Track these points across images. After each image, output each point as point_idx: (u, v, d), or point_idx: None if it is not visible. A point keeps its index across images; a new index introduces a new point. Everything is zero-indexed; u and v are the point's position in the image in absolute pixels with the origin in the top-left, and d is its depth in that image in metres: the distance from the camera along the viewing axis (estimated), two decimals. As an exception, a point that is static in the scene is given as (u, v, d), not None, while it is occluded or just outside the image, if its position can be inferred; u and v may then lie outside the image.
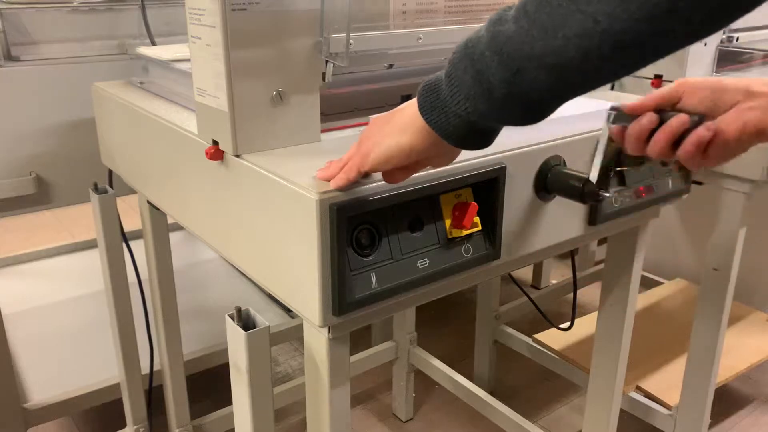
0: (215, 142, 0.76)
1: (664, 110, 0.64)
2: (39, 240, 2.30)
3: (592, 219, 0.86)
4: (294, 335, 1.64)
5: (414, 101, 0.60)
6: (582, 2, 0.47)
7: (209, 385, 1.71)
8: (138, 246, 1.19)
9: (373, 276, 0.66)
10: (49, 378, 1.41)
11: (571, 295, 1.40)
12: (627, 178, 0.89)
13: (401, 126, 0.60)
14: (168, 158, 0.92)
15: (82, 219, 2.61)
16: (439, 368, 1.61)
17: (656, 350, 1.61)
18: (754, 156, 1.14)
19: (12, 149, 1.20)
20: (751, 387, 1.81)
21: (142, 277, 1.20)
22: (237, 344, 0.71)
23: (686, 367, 1.38)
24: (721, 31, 1.35)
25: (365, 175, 0.64)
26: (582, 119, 0.88)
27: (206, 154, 0.76)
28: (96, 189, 1.13)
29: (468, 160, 0.72)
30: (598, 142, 0.67)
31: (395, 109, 0.63)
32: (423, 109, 0.58)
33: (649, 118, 0.62)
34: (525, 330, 1.72)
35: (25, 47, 1.23)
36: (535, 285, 2.33)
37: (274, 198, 0.68)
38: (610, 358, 1.11)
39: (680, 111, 0.64)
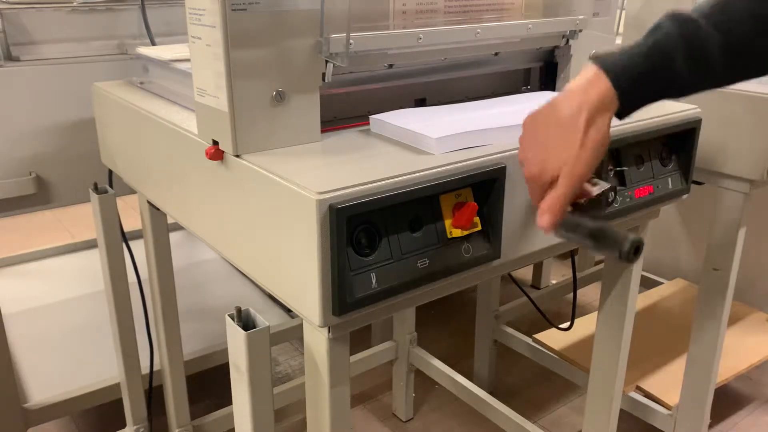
0: (215, 142, 0.76)
1: None
2: (39, 240, 2.30)
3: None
4: (294, 335, 1.64)
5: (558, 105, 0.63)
6: None
7: (209, 385, 1.71)
8: (138, 246, 1.19)
9: (373, 276, 0.66)
10: (49, 378, 1.41)
11: (571, 295, 1.40)
12: (627, 178, 0.89)
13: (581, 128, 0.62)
14: (168, 158, 0.92)
15: (82, 219, 2.61)
16: (439, 368, 1.61)
17: (656, 350, 1.61)
18: (753, 156, 1.14)
19: (12, 149, 1.20)
20: (751, 387, 1.81)
21: (142, 277, 1.20)
22: (237, 344, 0.71)
23: (686, 367, 1.38)
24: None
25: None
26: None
27: (206, 154, 0.76)
28: (96, 189, 1.13)
29: (468, 160, 0.72)
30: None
31: (547, 118, 0.64)
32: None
33: None
34: (525, 330, 1.72)
35: (25, 47, 1.23)
36: (535, 285, 2.33)
37: (274, 198, 0.68)
38: (610, 358, 1.11)
39: None
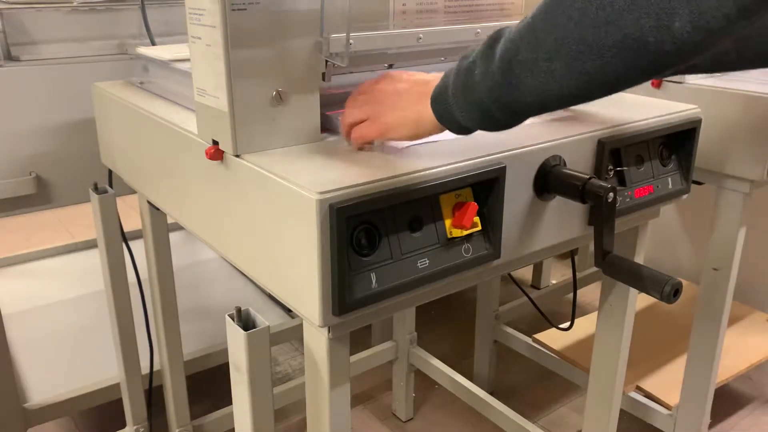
0: (215, 142, 0.76)
1: None
2: (39, 240, 2.30)
3: (592, 219, 0.87)
4: (294, 335, 1.64)
5: (423, 94, 0.69)
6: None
7: (209, 385, 1.71)
8: (138, 246, 1.19)
9: (373, 276, 0.66)
10: (49, 378, 1.41)
11: (571, 295, 1.40)
12: (627, 178, 0.89)
13: (416, 117, 0.70)
14: (168, 158, 0.92)
15: (82, 219, 2.61)
16: (439, 368, 1.61)
17: (656, 350, 1.61)
18: (754, 156, 1.14)
19: (12, 149, 1.20)
20: (751, 387, 1.81)
21: (142, 277, 1.20)
22: (237, 344, 0.71)
23: (686, 367, 1.38)
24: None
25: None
26: (582, 119, 0.88)
27: (206, 154, 0.76)
28: (96, 189, 1.13)
29: (468, 160, 0.72)
30: None
31: (408, 83, 0.72)
32: (438, 117, 0.69)
33: None
34: (525, 330, 1.72)
35: (25, 47, 1.23)
36: (535, 285, 2.33)
37: (274, 198, 0.68)
38: (610, 358, 1.11)
39: None
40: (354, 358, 1.60)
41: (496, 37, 0.62)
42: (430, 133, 0.71)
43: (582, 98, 0.60)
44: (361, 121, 0.74)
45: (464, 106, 0.65)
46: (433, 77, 0.71)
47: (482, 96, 0.63)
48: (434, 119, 0.69)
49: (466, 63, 0.65)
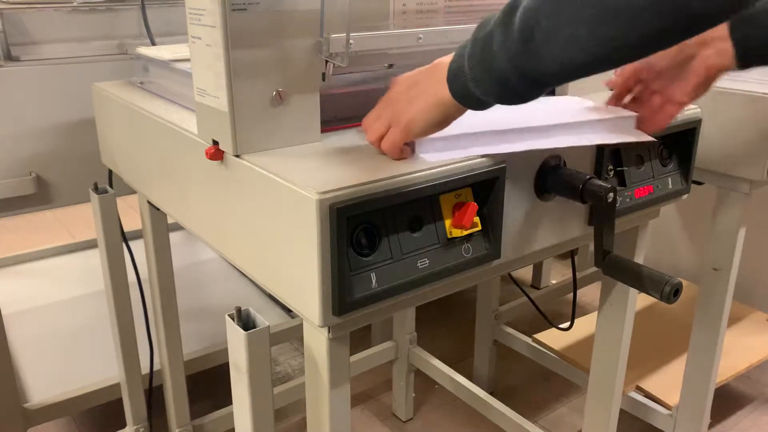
0: (215, 142, 0.76)
1: None
2: (39, 240, 2.29)
3: (592, 219, 0.87)
4: (294, 335, 1.64)
5: (436, 76, 0.68)
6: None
7: (209, 385, 1.71)
8: (138, 246, 1.19)
9: (373, 276, 0.66)
10: (49, 378, 1.41)
11: (571, 295, 1.40)
12: (627, 178, 0.89)
13: (436, 100, 0.68)
14: (168, 158, 0.92)
15: (82, 219, 2.61)
16: (439, 368, 1.61)
17: (656, 350, 1.61)
18: (754, 156, 1.14)
19: (12, 149, 1.20)
20: (751, 387, 1.81)
21: (142, 277, 1.20)
22: (237, 344, 0.71)
23: (686, 367, 1.38)
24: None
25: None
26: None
27: (206, 154, 0.76)
28: (96, 189, 1.13)
29: (468, 160, 0.72)
30: None
31: (418, 74, 0.71)
32: (453, 93, 0.67)
33: None
34: (525, 330, 1.72)
35: (25, 47, 1.23)
36: (535, 285, 2.33)
37: (274, 198, 0.68)
38: (610, 358, 1.11)
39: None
40: (354, 358, 1.60)
41: (513, 5, 0.59)
42: (456, 114, 0.69)
43: (606, 66, 0.58)
44: (386, 132, 0.72)
45: (482, 78, 0.62)
46: (443, 58, 0.68)
47: (501, 66, 0.60)
48: (451, 99, 0.66)
49: (483, 33, 0.62)
